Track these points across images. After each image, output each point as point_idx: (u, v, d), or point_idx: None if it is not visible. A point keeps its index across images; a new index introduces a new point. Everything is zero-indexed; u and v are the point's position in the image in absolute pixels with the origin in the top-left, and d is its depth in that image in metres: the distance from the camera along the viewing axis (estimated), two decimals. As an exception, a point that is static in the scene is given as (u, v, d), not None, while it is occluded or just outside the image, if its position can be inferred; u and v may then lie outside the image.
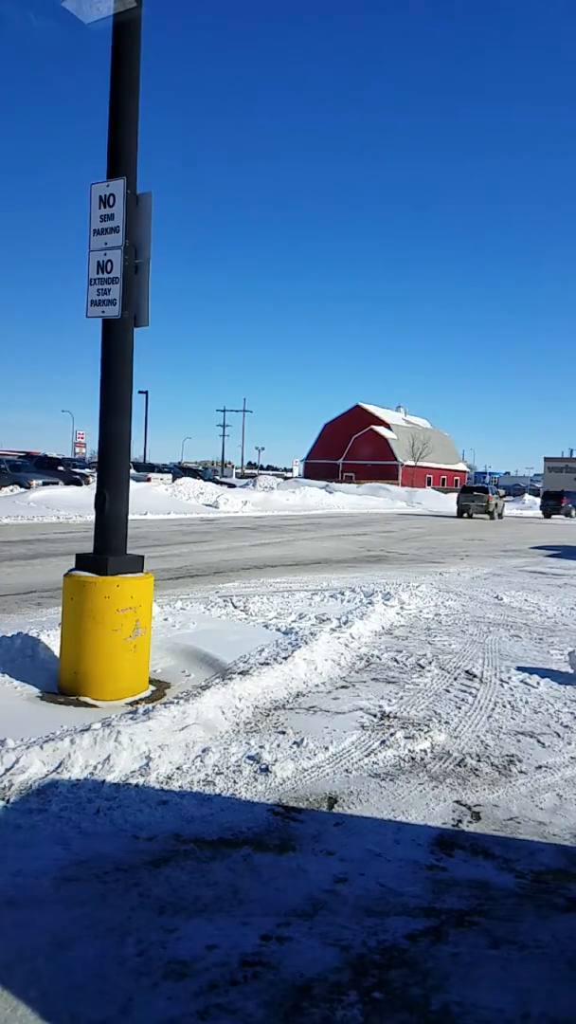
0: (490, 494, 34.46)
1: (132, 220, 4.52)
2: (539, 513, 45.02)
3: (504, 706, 4.76)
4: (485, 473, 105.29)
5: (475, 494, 34.55)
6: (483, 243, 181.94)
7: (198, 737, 3.83)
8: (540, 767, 3.76)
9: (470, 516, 33.98)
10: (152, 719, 3.79)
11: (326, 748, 3.84)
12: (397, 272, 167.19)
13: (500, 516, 35.73)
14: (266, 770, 3.50)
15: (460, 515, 33.98)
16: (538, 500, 53.73)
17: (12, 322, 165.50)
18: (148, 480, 34.79)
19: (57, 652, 4.77)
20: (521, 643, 6.69)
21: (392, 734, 4.10)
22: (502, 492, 39.36)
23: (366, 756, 3.78)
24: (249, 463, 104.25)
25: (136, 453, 64.29)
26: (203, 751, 3.66)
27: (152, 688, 4.67)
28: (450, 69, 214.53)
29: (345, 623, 6.68)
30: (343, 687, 5.06)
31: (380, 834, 2.95)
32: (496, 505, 34.61)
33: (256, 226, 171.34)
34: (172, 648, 5.59)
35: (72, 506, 21.77)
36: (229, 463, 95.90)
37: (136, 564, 4.63)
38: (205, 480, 40.13)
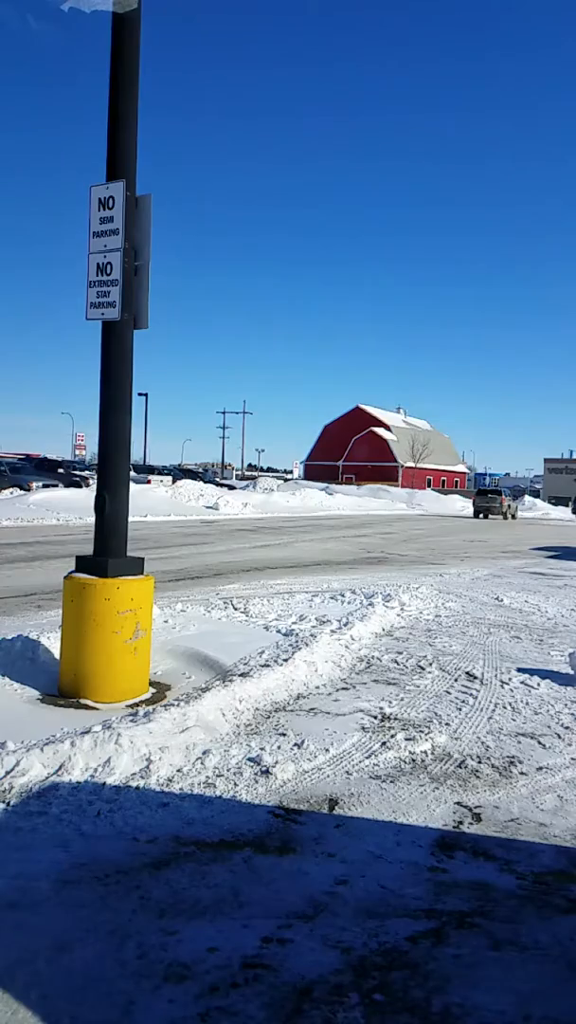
0: (503, 496, 36.94)
1: (131, 222, 4.52)
2: (540, 515, 45.10)
3: (505, 707, 4.76)
4: (485, 474, 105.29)
5: (490, 496, 37.00)
6: (483, 243, 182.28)
7: (199, 739, 3.83)
8: (541, 768, 3.76)
9: (486, 516, 35.93)
10: (152, 721, 3.78)
11: (327, 750, 3.84)
12: (397, 273, 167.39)
13: (514, 516, 37.53)
14: (267, 772, 3.49)
15: (476, 516, 36.07)
16: (538, 501, 53.85)
17: (12, 324, 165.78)
18: (148, 482, 34.75)
19: (57, 654, 4.77)
20: (521, 644, 6.68)
21: (393, 736, 4.10)
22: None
23: (367, 758, 3.78)
24: (249, 465, 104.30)
25: (136, 455, 64.26)
26: (204, 753, 3.66)
27: (152, 690, 4.66)
28: (451, 69, 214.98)
29: (345, 625, 6.68)
30: (344, 689, 5.06)
31: (381, 836, 2.95)
32: (509, 507, 36.96)
33: (256, 227, 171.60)
34: (172, 650, 5.59)
35: (72, 508, 21.75)
36: (229, 465, 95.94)
37: (136, 566, 4.63)
38: (205, 482, 40.11)
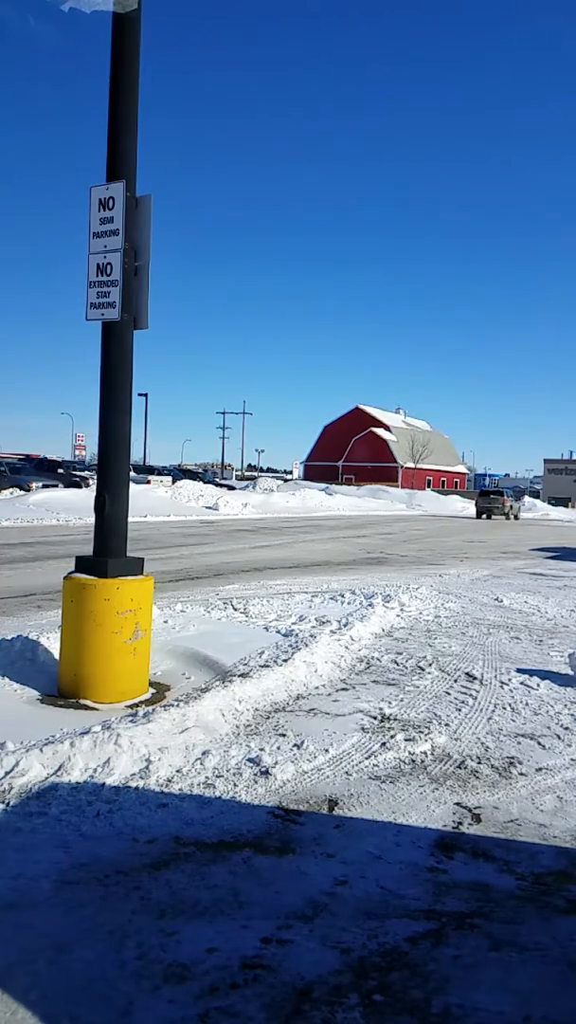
0: (505, 497, 37.44)
1: (132, 223, 4.52)
2: (540, 515, 45.12)
3: (504, 708, 4.76)
4: (485, 475, 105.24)
5: (492, 497, 37.44)
6: (482, 244, 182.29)
7: (198, 740, 3.83)
8: (540, 769, 3.76)
9: (489, 517, 36.35)
10: (152, 722, 3.78)
11: (326, 750, 3.84)
12: (397, 273, 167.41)
13: (516, 517, 37.80)
14: (266, 773, 3.49)
15: (479, 516, 36.51)
16: (538, 502, 53.89)
17: (12, 324, 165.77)
18: (148, 482, 34.76)
19: (57, 655, 4.77)
20: (521, 645, 6.68)
21: (392, 736, 4.10)
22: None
23: (366, 758, 3.77)
24: (249, 465, 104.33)
25: (136, 455, 64.25)
26: (203, 754, 3.66)
27: (152, 691, 4.66)
28: (448, 70, 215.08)
29: (345, 625, 6.68)
30: (343, 689, 5.06)
31: (380, 836, 2.95)
32: (512, 507, 37.31)
33: (256, 228, 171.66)
34: (172, 650, 5.59)
35: (72, 509, 21.75)
36: (229, 465, 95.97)
37: (136, 566, 4.63)
38: (205, 482, 40.10)
